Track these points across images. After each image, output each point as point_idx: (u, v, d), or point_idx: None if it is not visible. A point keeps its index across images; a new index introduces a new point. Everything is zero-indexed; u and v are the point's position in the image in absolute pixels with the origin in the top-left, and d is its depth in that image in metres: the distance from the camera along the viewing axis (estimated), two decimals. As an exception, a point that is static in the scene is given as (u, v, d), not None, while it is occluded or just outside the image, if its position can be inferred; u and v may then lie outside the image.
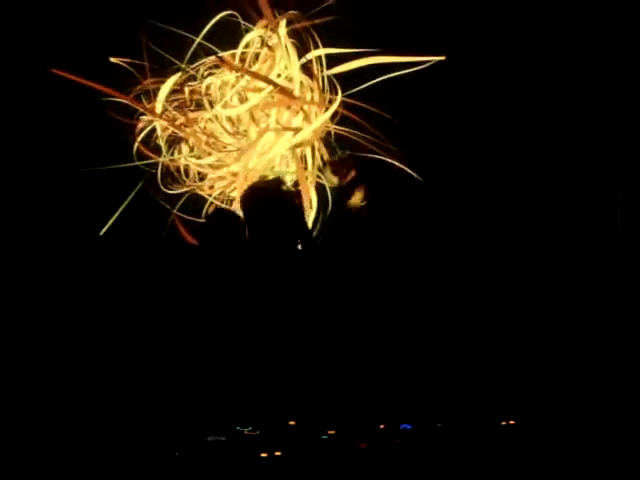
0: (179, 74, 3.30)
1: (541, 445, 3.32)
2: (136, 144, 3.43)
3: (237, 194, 3.16)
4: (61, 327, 3.61)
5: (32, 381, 3.35)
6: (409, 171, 3.40)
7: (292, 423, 3.01)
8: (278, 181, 2.89)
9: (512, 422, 3.42)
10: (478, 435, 3.34)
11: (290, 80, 3.25)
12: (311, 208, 3.17)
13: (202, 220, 3.28)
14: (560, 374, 3.82)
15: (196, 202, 3.45)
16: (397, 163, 3.38)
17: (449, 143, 4.10)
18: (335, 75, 3.35)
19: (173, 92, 3.35)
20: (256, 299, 2.81)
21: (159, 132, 3.39)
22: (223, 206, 3.32)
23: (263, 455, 2.83)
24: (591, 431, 3.39)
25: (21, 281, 3.74)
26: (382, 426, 3.20)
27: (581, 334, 3.98)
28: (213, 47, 3.36)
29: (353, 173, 3.14)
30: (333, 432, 3.02)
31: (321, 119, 3.24)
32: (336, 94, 3.30)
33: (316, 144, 3.35)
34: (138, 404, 3.05)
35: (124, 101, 3.35)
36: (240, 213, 3.00)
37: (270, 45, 3.28)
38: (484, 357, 3.76)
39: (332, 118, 3.35)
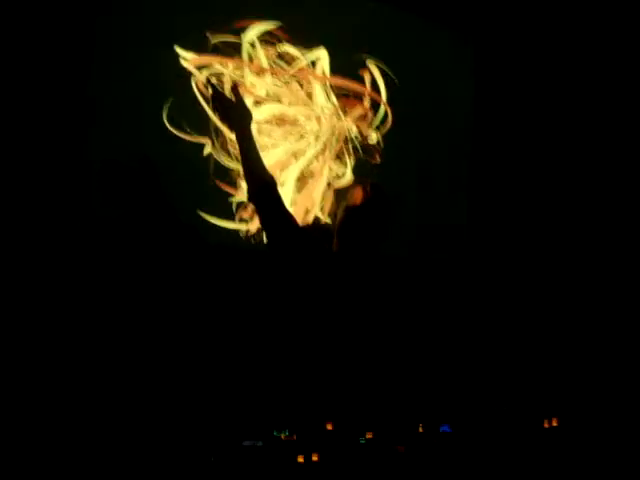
0: None
1: (584, 448, 3.24)
2: None
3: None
4: (103, 314, 3.52)
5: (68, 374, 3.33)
6: None
7: (329, 427, 2.98)
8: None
9: (555, 424, 3.35)
10: (518, 438, 3.28)
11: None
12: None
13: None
14: (601, 373, 3.73)
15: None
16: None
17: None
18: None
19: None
20: (292, 306, 2.78)
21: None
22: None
23: (300, 460, 2.80)
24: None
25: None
26: (420, 429, 3.16)
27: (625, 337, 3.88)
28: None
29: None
30: (371, 436, 2.98)
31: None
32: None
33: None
34: (175, 409, 3.05)
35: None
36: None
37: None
38: (522, 361, 3.69)
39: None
